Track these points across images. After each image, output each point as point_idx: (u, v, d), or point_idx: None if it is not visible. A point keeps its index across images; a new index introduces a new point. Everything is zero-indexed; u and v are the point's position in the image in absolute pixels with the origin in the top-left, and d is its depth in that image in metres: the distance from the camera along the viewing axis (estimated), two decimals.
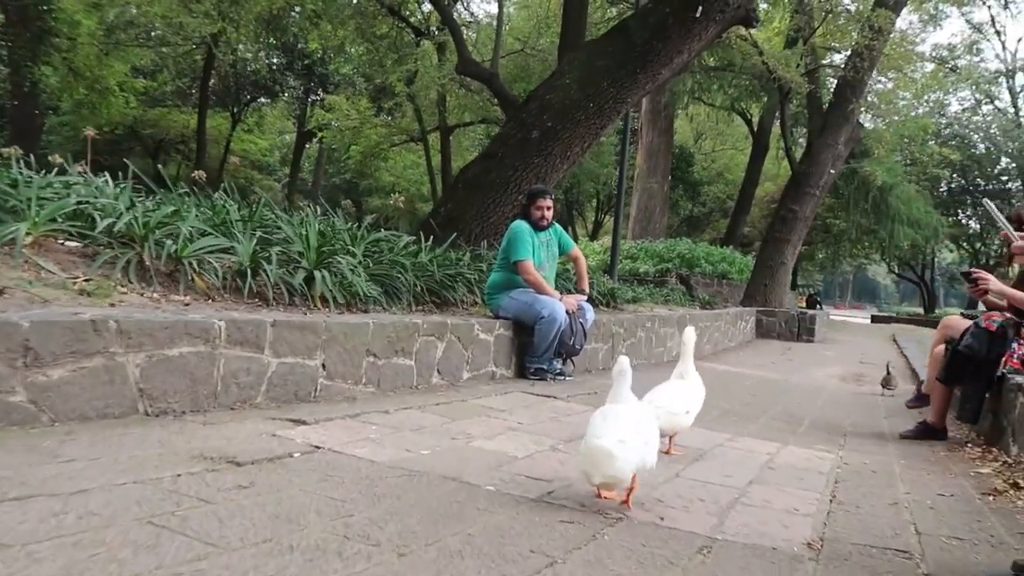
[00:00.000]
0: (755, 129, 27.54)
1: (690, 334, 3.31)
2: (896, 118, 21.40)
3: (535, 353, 5.20)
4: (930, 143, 26.30)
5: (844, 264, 38.27)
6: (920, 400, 4.66)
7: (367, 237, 5.83)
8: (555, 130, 8.66)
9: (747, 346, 13.18)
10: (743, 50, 18.44)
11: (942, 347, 4.33)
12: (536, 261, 5.29)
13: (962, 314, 4.37)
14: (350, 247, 5.06)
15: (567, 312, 5.18)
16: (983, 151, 28.60)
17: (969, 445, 4.06)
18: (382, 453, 2.45)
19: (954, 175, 28.23)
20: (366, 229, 6.05)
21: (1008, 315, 4.11)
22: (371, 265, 5.16)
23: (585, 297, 5.58)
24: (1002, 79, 31.15)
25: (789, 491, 2.59)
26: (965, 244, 30.84)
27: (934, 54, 28.73)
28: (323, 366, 3.51)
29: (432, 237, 6.92)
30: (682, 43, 8.72)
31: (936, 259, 35.10)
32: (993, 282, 4.13)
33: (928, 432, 4.26)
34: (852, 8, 15.88)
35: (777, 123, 27.43)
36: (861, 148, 20.25)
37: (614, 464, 2.05)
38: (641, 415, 2.31)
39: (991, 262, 30.47)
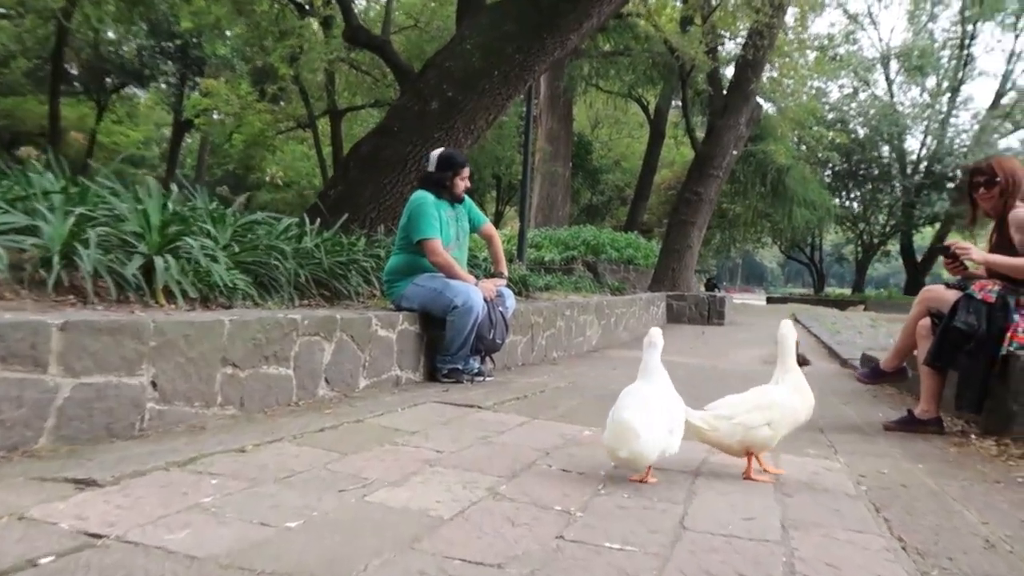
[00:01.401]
0: (652, 116, 27.54)
1: (789, 329, 2.71)
2: (786, 103, 21.69)
3: (448, 350, 4.27)
4: (816, 128, 27.00)
5: (737, 248, 39.14)
6: (876, 375, 4.06)
7: (239, 219, 4.78)
8: (456, 101, 7.76)
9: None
10: (643, 30, 18.10)
11: (927, 320, 3.69)
12: (445, 239, 4.35)
13: (947, 284, 3.74)
14: (210, 229, 3.98)
15: (485, 300, 4.28)
16: (863, 135, 29.66)
17: (974, 437, 3.43)
18: (214, 537, 1.46)
19: (841, 158, 29.13)
20: (237, 212, 4.97)
21: (1002, 283, 3.51)
22: (239, 251, 4.11)
23: (504, 282, 4.69)
24: (878, 66, 32.49)
25: (842, 537, 1.79)
26: (849, 225, 32.01)
27: (816, 43, 29.54)
28: (153, 384, 2.47)
29: (320, 221, 5.89)
30: (591, 5, 7.98)
31: (823, 241, 36.39)
32: (975, 252, 3.52)
33: (916, 423, 3.62)
34: None
35: (673, 110, 27.65)
36: (757, 132, 20.36)
37: (637, 442, 2.07)
38: (671, 396, 2.29)
39: (874, 240, 31.80)
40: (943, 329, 3.54)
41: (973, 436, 3.45)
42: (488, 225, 4.80)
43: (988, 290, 3.49)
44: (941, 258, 3.75)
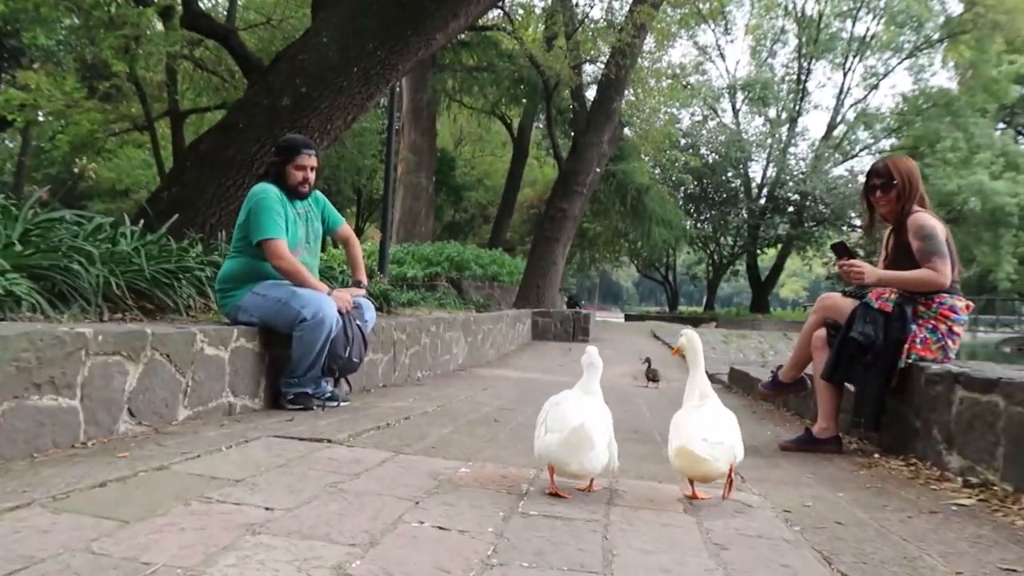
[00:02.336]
0: (515, 134, 27.62)
1: (693, 337, 2.42)
2: (644, 127, 22.36)
3: (295, 372, 3.59)
4: (671, 151, 28.09)
5: (596, 267, 40.09)
6: (775, 387, 3.80)
7: (38, 216, 3.94)
8: (311, 98, 7.08)
9: (527, 348, 12.41)
10: (507, 48, 17.98)
11: (822, 331, 3.45)
12: (292, 241, 3.69)
13: (843, 292, 3.52)
14: None
15: (339, 312, 3.64)
16: (713, 161, 31.20)
17: (877, 456, 3.19)
18: None
19: (694, 181, 30.43)
20: (34, 208, 4.09)
21: (899, 291, 3.32)
22: (28, 252, 3.30)
23: (364, 292, 4.06)
24: (725, 96, 34.41)
25: None
26: (701, 245, 33.50)
27: (669, 71, 30.85)
28: None
29: (146, 225, 5.05)
30: (458, 5, 7.57)
31: (677, 260, 37.90)
32: (868, 273, 3.31)
33: (814, 442, 3.35)
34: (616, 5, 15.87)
35: (536, 130, 27.86)
36: (617, 153, 20.77)
37: (592, 453, 2.02)
38: (606, 412, 2.23)
39: (724, 260, 33.47)
40: (840, 341, 3.30)
41: (876, 455, 3.21)
42: (345, 227, 4.17)
43: (885, 299, 3.28)
44: (834, 258, 3.53)
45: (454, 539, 1.62)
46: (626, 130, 20.58)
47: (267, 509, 1.72)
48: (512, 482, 2.27)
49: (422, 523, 1.72)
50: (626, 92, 17.36)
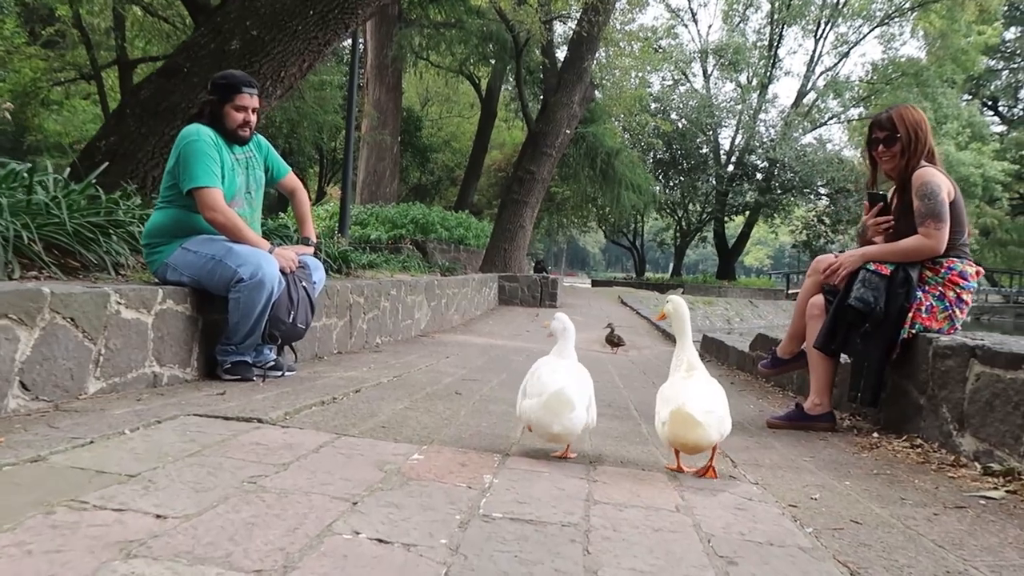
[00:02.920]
0: (483, 95, 26.96)
1: (680, 304, 2.29)
2: (615, 91, 21.90)
3: (231, 339, 3.19)
4: (642, 115, 27.68)
5: (563, 233, 39.79)
6: (776, 364, 3.48)
7: None
8: (263, 41, 6.57)
9: (493, 314, 12.08)
10: (476, 3, 17.32)
11: (819, 298, 3.14)
12: (228, 191, 3.25)
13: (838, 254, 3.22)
14: None
15: (283, 272, 3.24)
16: (683, 126, 30.87)
17: (876, 436, 2.91)
18: None
19: (664, 146, 30.13)
20: None
21: None
22: None
23: (311, 250, 3.65)
24: (696, 61, 33.99)
25: None
26: (669, 212, 33.31)
27: (641, 35, 30.29)
28: None
29: (72, 175, 4.57)
30: None
31: (645, 227, 37.75)
32: (847, 261, 3.02)
33: (806, 419, 3.07)
34: None
35: (505, 91, 27.22)
36: (587, 115, 20.32)
37: (573, 414, 2.05)
38: (584, 373, 2.23)
39: (691, 227, 33.36)
40: (836, 308, 3.00)
41: (875, 435, 2.93)
42: (292, 177, 3.73)
43: (887, 262, 2.98)
44: (863, 212, 3.20)
45: (396, 558, 1.26)
46: (596, 92, 20.12)
47: (158, 517, 1.34)
48: (473, 472, 1.92)
49: (357, 534, 1.36)
50: (598, 52, 16.89)
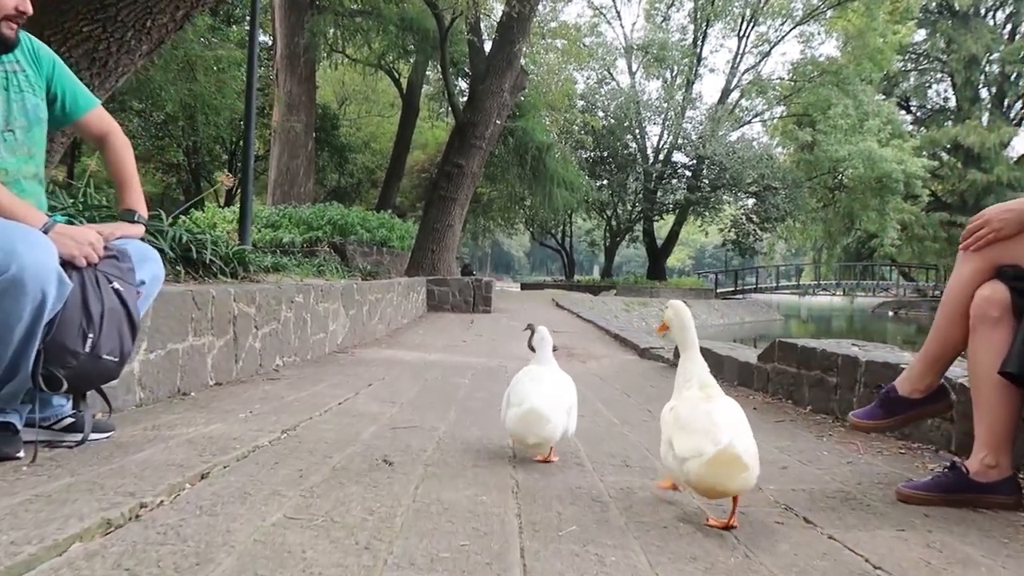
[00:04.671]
0: (404, 90, 25.56)
1: (681, 309, 1.87)
2: (542, 88, 20.91)
3: None
4: (572, 112, 26.80)
5: (489, 235, 38.67)
6: (893, 409, 2.10)
7: None
8: None
9: (423, 322, 10.73)
10: None
11: (998, 290, 1.87)
12: None
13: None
14: None
15: (72, 265, 1.86)
16: (610, 124, 30.17)
17: None
18: None
19: (593, 144, 29.34)
20: None
21: None
22: None
23: (139, 231, 2.24)
24: (621, 59, 33.40)
25: None
26: (598, 211, 32.56)
27: (563, 32, 29.46)
28: None
29: None
30: None
31: (574, 227, 36.96)
32: (995, 216, 1.87)
33: (971, 488, 1.86)
34: None
35: (427, 86, 25.85)
36: (516, 110, 19.22)
37: (547, 427, 2.08)
38: (565, 380, 2.33)
39: (621, 227, 32.69)
40: None
41: None
42: (100, 114, 2.29)
43: None
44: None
45: None
46: (524, 89, 19.02)
47: None
48: None
49: None
50: (526, 46, 15.79)
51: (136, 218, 2.22)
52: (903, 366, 2.68)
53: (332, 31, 20.58)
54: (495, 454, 2.27)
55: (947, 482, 1.87)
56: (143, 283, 2.09)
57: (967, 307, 1.89)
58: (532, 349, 6.73)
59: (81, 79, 4.91)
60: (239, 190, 9.38)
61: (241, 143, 21.61)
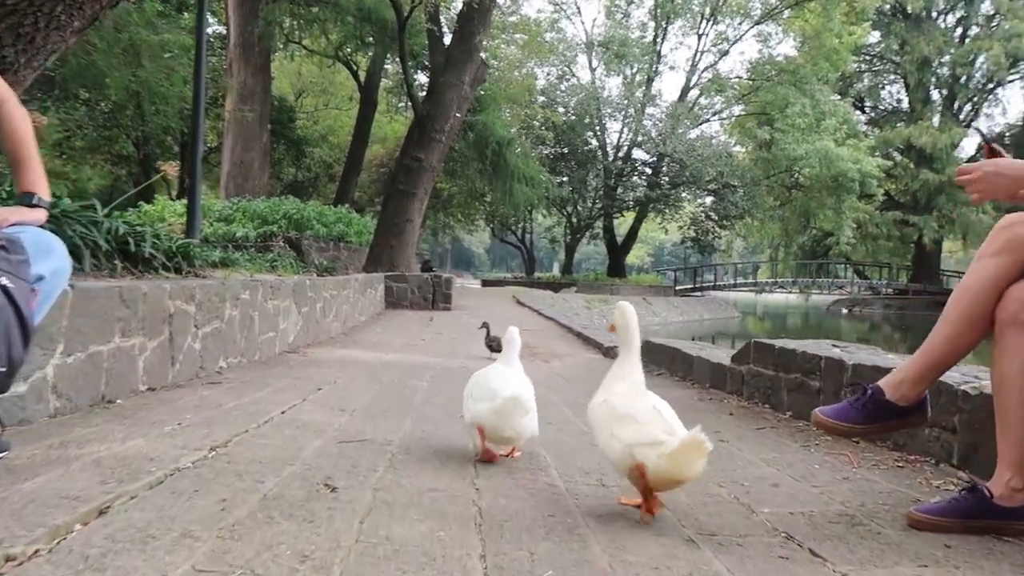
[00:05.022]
0: (363, 83, 25.05)
1: (626, 309, 1.88)
2: (502, 83, 20.67)
3: None
4: (532, 107, 26.58)
5: (449, 232, 38.31)
6: (879, 416, 1.82)
7: None
8: None
9: (380, 319, 10.42)
10: None
11: None
12: None
13: None
14: None
15: None
16: (571, 120, 30.03)
17: None
18: None
19: (553, 140, 29.16)
20: None
21: None
22: None
23: (41, 217, 1.92)
24: (581, 55, 33.30)
25: None
26: (558, 208, 32.39)
27: (524, 27, 29.24)
28: None
29: None
30: None
31: (534, 224, 36.78)
32: (984, 171, 1.68)
33: (990, 512, 1.64)
34: None
35: (385, 83, 25.36)
36: (476, 104, 18.92)
37: (526, 418, 2.07)
38: (530, 383, 2.25)
39: (582, 224, 32.60)
40: None
41: None
42: None
43: None
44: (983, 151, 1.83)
45: None
46: (485, 81, 18.73)
47: None
48: None
49: None
50: (489, 30, 15.50)
51: (35, 201, 1.90)
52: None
53: (288, 21, 20.00)
54: (455, 472, 2.01)
55: (967, 506, 1.67)
56: (41, 279, 1.77)
57: (989, 308, 1.68)
58: (490, 348, 6.48)
59: (5, 55, 4.47)
60: (190, 184, 8.91)
61: (179, 118, 20.94)
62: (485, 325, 6.43)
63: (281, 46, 21.30)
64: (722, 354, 4.44)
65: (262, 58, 19.23)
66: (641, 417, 1.67)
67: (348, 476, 1.86)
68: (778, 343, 3.44)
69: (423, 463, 2.09)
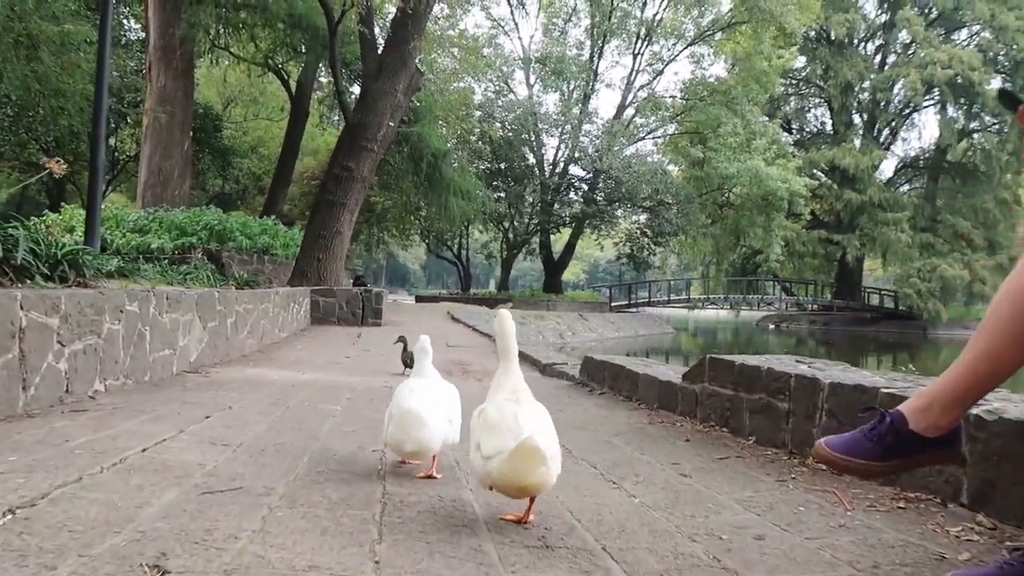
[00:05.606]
0: (293, 92, 24.24)
1: (503, 317, 1.89)
2: (439, 95, 20.24)
3: None
4: (469, 120, 26.22)
5: (383, 247, 37.50)
6: (900, 452, 1.41)
7: None
8: None
9: (304, 335, 9.78)
10: None
11: None
12: None
13: None
14: None
15: None
16: (508, 135, 29.79)
17: None
18: None
19: (490, 155, 28.83)
20: None
21: None
22: None
23: None
24: (518, 71, 33.19)
25: None
26: (495, 223, 32.04)
27: (461, 42, 28.90)
28: None
29: None
30: None
31: (470, 239, 36.31)
32: None
33: None
34: None
35: (317, 92, 24.61)
36: (411, 115, 18.42)
37: (424, 431, 2.04)
38: (446, 389, 2.26)
39: (518, 240, 32.29)
40: None
41: None
42: None
43: None
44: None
45: None
46: (420, 90, 18.24)
47: None
48: None
49: None
50: (423, 36, 15.04)
51: None
52: (885, 391, 2.11)
53: (213, 25, 19.10)
54: (351, 535, 1.52)
55: (1014, 569, 1.26)
56: None
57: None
58: (406, 364, 5.96)
59: None
60: (90, 186, 8.11)
61: (110, 140, 19.73)
62: (402, 339, 5.94)
63: (207, 51, 20.37)
64: (670, 372, 4.05)
65: (184, 62, 18.28)
66: (500, 427, 1.69)
67: (192, 550, 1.34)
68: (738, 359, 3.05)
69: (309, 522, 1.59)
